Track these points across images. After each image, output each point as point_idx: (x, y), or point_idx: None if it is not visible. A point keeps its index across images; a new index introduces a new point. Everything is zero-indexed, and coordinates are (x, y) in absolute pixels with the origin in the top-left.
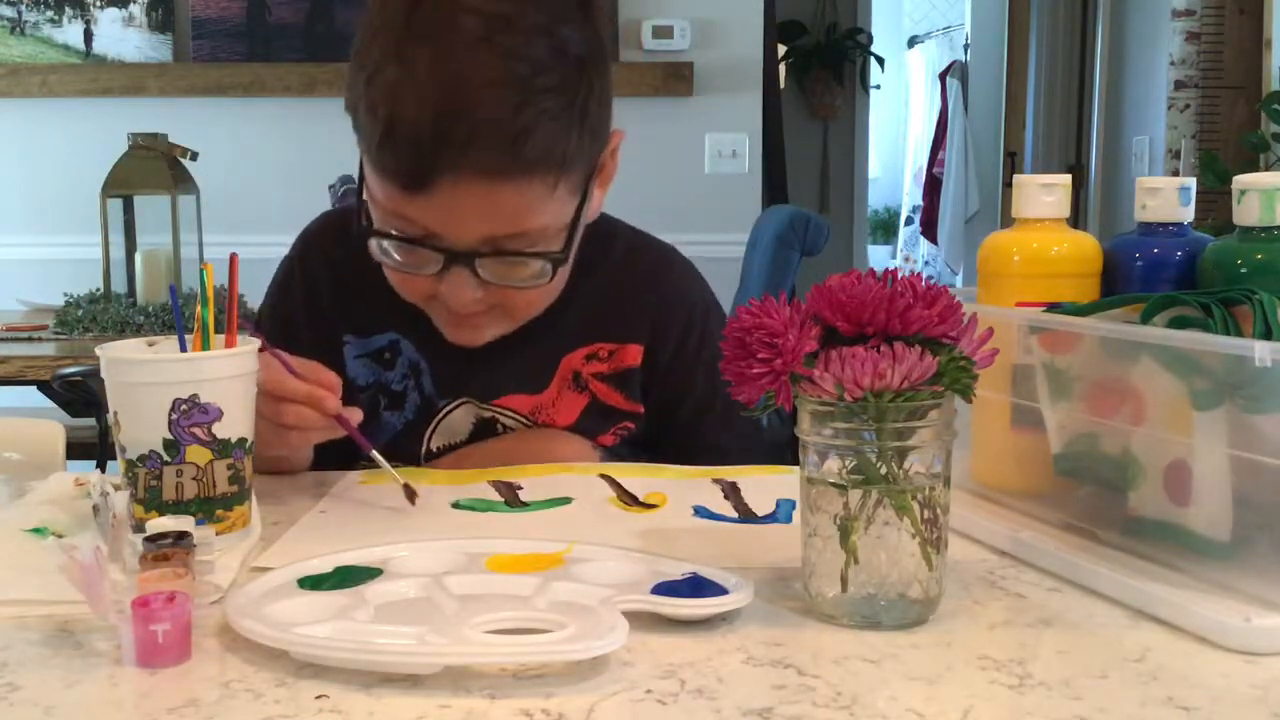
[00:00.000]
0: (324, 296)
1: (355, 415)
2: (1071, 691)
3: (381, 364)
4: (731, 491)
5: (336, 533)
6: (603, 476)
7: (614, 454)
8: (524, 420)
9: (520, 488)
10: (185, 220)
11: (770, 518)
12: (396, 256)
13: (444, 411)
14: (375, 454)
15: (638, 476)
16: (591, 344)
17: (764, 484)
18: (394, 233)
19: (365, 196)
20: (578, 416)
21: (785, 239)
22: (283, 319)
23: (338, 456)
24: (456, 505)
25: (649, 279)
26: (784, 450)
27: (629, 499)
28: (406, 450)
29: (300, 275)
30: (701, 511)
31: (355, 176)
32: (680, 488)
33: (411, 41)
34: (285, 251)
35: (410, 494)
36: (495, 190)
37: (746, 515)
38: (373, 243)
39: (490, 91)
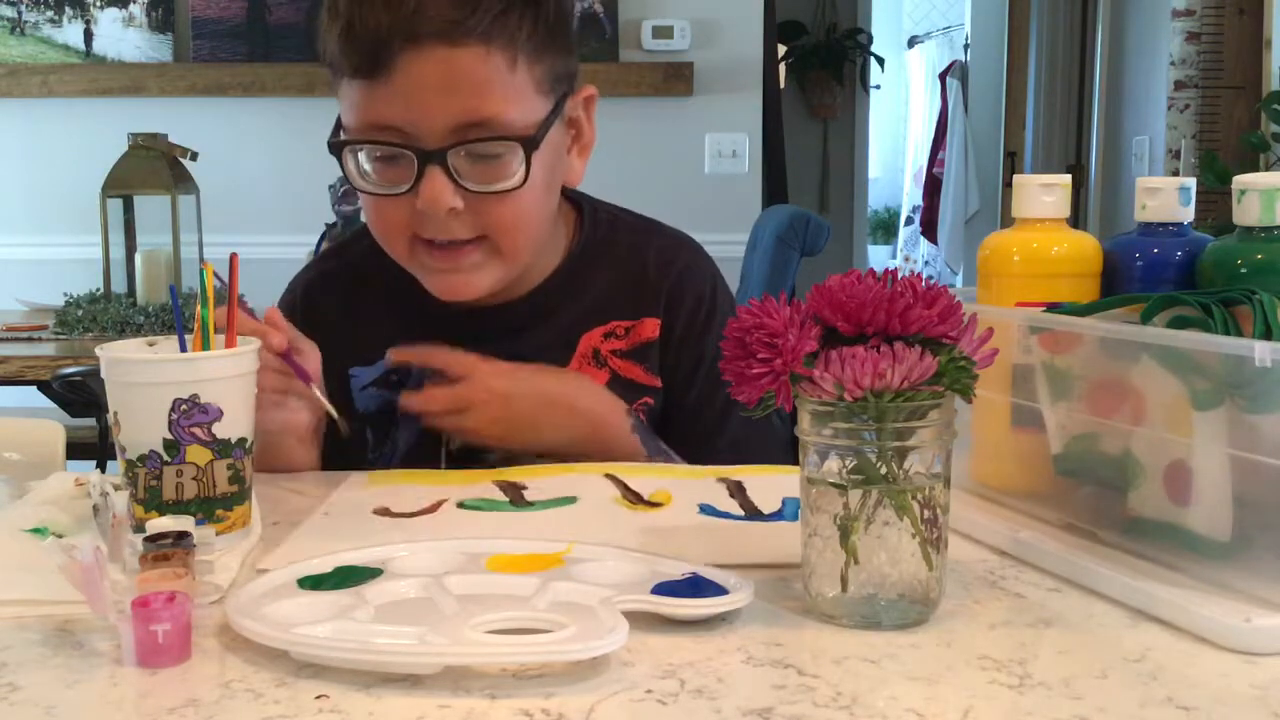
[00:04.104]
0: (327, 331)
1: (311, 357)
2: (1071, 691)
3: (389, 387)
4: (737, 490)
5: (338, 534)
6: (608, 476)
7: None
8: None
9: (525, 488)
10: (185, 220)
11: (776, 515)
12: (373, 174)
13: None
14: (316, 390)
15: (644, 476)
16: (607, 323)
17: (770, 482)
18: (365, 139)
19: (340, 135)
20: None
21: (785, 239)
22: None
23: (339, 458)
24: (462, 505)
25: (660, 259)
26: (788, 449)
27: (634, 498)
28: (429, 453)
29: (302, 314)
30: (707, 509)
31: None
32: (686, 486)
33: None
34: (285, 253)
35: (341, 425)
36: (452, 57)
37: (752, 513)
38: (349, 166)
39: None
